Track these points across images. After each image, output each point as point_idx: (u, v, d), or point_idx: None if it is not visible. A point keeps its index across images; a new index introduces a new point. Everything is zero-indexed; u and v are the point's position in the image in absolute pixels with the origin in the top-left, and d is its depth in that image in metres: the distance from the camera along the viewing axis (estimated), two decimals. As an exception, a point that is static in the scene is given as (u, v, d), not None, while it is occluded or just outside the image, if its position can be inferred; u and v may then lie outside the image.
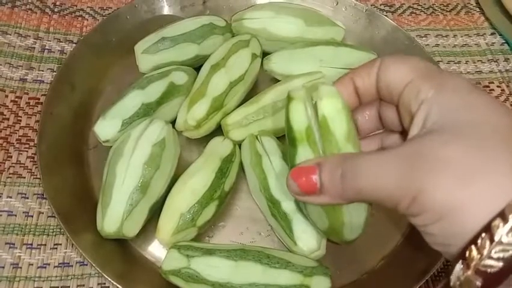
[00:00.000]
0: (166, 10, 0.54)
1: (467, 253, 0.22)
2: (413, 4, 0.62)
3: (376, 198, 0.25)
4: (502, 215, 0.21)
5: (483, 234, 0.22)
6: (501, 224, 0.21)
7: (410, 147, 0.25)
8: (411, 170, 0.24)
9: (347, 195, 0.27)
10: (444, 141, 0.24)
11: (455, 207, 0.23)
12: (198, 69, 0.47)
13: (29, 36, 0.52)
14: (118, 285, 0.35)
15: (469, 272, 0.22)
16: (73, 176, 0.42)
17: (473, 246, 0.22)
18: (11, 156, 0.44)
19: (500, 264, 0.21)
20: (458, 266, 0.23)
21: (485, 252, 0.21)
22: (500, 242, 0.21)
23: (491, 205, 0.22)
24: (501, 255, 0.21)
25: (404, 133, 0.31)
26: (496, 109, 0.25)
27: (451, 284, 0.23)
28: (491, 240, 0.21)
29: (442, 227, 0.23)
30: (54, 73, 0.50)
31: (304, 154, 0.30)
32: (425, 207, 0.23)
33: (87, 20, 0.55)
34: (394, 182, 0.24)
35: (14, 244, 0.39)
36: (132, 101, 0.43)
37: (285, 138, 0.32)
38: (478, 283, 0.22)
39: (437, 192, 0.23)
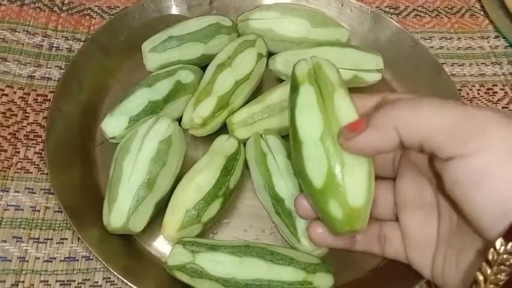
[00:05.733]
0: (174, 9, 0.55)
1: None
2: (418, 7, 0.63)
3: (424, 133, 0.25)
4: None
5: None
6: None
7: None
8: (472, 116, 0.24)
9: (391, 126, 0.26)
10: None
11: None
12: (204, 68, 0.47)
13: (38, 34, 0.53)
14: (123, 280, 0.35)
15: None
16: (79, 172, 0.43)
17: None
18: (19, 152, 0.44)
19: None
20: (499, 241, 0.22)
21: None
22: None
23: None
24: None
25: None
26: None
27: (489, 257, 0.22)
28: None
29: (491, 178, 0.23)
30: (62, 70, 0.50)
31: (306, 94, 0.30)
32: (484, 143, 0.23)
33: (95, 18, 0.56)
34: (452, 119, 0.24)
35: (21, 238, 0.39)
36: (139, 98, 0.43)
37: (289, 138, 0.31)
38: None
39: (503, 132, 0.23)
